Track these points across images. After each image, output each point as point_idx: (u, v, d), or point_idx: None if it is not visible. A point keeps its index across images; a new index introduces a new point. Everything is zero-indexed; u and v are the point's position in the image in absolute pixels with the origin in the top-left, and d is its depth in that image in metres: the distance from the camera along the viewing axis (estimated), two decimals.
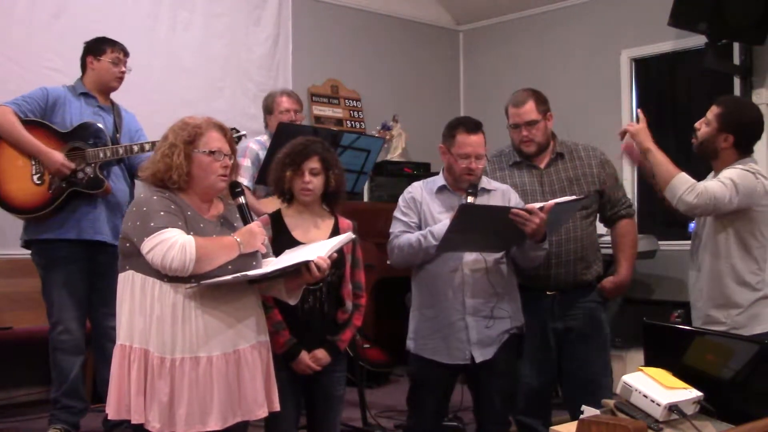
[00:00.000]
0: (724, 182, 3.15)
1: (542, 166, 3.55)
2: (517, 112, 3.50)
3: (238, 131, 3.77)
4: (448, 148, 3.30)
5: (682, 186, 3.15)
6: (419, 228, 3.30)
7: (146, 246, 2.54)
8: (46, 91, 3.91)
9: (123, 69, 4.04)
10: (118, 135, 3.96)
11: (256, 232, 2.65)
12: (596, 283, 3.59)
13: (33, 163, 3.80)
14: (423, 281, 3.35)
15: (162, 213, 2.58)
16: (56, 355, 3.86)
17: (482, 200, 3.29)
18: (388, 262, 3.49)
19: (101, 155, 3.80)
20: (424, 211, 3.32)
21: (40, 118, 3.84)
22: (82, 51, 4.06)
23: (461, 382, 3.56)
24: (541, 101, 3.52)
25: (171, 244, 2.51)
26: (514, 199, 3.38)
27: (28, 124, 3.80)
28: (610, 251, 3.73)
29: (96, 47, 4.02)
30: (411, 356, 3.40)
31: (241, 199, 2.73)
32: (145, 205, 2.62)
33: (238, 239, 2.60)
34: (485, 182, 3.38)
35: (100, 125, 3.86)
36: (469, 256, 3.26)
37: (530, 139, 3.49)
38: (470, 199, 3.17)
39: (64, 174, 3.77)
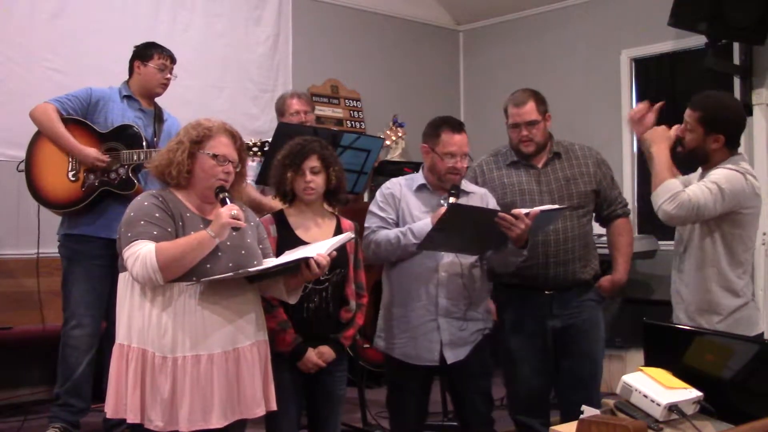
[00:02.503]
0: (709, 188, 3.05)
1: (539, 165, 3.55)
2: (517, 112, 3.50)
3: (260, 141, 3.78)
4: (432, 147, 3.29)
5: (666, 194, 3.06)
6: (396, 224, 3.29)
7: (124, 258, 2.59)
8: (90, 91, 3.98)
9: (168, 75, 4.09)
10: (156, 139, 4.00)
11: (222, 214, 2.58)
12: (594, 282, 3.60)
13: (70, 159, 3.87)
14: (396, 279, 3.33)
15: (143, 222, 2.59)
16: (65, 350, 3.88)
17: (462, 201, 3.27)
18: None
19: (135, 157, 3.84)
20: (402, 208, 3.30)
21: (81, 117, 3.91)
22: (131, 54, 4.10)
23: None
24: (541, 101, 3.52)
25: (135, 257, 2.54)
26: (491, 203, 3.39)
27: (68, 122, 3.88)
28: (605, 250, 3.73)
29: (144, 52, 4.07)
30: (385, 358, 3.39)
31: (221, 195, 2.70)
32: (133, 210, 2.65)
33: (210, 230, 2.58)
34: (464, 184, 3.37)
35: (137, 128, 3.90)
36: (446, 258, 3.25)
37: (530, 139, 3.49)
38: (452, 200, 3.16)
39: (100, 167, 3.82)
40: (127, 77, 4.11)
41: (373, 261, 3.36)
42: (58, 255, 4.04)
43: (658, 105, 3.33)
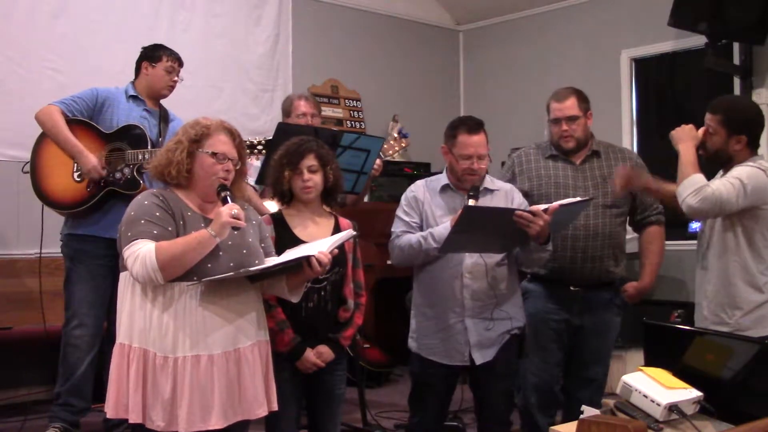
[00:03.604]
0: (732, 182, 3.11)
1: (578, 162, 3.58)
2: (559, 107, 3.55)
3: (264, 139, 3.78)
4: (450, 149, 3.30)
5: (690, 187, 3.12)
6: (421, 228, 3.30)
7: (124, 258, 2.58)
8: (96, 92, 3.98)
9: (176, 78, 4.10)
10: (161, 139, 3.99)
11: (222, 213, 2.57)
12: (620, 285, 3.60)
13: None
14: (424, 282, 3.35)
15: (143, 221, 2.58)
16: (66, 350, 3.88)
17: (485, 200, 3.29)
18: (389, 262, 3.48)
19: (140, 157, 3.84)
20: (425, 211, 3.32)
21: (87, 118, 3.91)
22: (138, 55, 4.10)
23: (461, 382, 3.56)
24: (583, 99, 3.58)
25: (135, 257, 2.53)
26: (517, 199, 3.38)
27: (73, 123, 3.88)
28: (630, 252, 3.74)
29: (152, 54, 4.07)
30: (412, 356, 3.41)
31: (222, 193, 2.69)
32: (133, 210, 2.63)
33: (210, 229, 2.57)
34: (488, 182, 3.37)
35: (143, 128, 3.90)
36: (470, 259, 3.25)
37: (570, 135, 3.53)
38: (471, 201, 3.17)
39: (95, 178, 3.82)
40: (132, 77, 4.11)
41: (400, 265, 3.39)
42: (59, 255, 4.05)
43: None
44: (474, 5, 7.30)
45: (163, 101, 4.16)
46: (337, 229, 3.09)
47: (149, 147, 3.85)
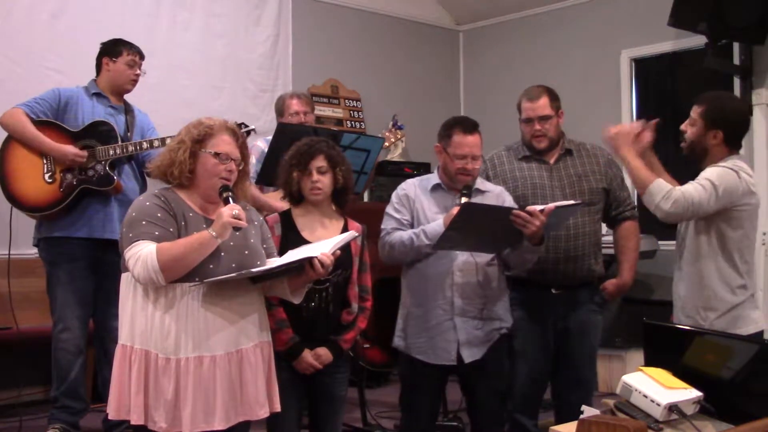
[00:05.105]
0: (703, 185, 3.07)
1: (551, 161, 3.56)
2: (531, 107, 3.53)
3: (246, 125, 3.80)
4: (444, 148, 3.29)
5: (659, 193, 3.08)
6: (411, 226, 3.29)
7: (125, 259, 2.58)
8: (58, 92, 3.96)
9: (138, 72, 4.07)
10: (129, 134, 3.99)
11: (223, 213, 2.57)
12: (599, 283, 3.60)
13: (44, 162, 3.85)
14: (412, 280, 3.33)
15: (144, 222, 2.58)
16: (57, 354, 3.87)
17: (476, 200, 3.27)
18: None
19: (111, 152, 3.83)
20: (416, 209, 3.31)
21: (52, 118, 3.89)
22: (98, 51, 4.08)
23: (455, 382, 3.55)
24: (555, 98, 3.56)
25: (137, 258, 2.52)
26: (508, 201, 3.38)
27: (39, 124, 3.86)
28: (608, 251, 3.74)
29: (112, 49, 4.05)
30: (401, 356, 3.39)
31: (224, 194, 2.69)
32: (135, 211, 2.64)
33: (211, 230, 2.56)
34: (479, 183, 3.37)
35: (110, 124, 3.89)
36: (461, 258, 3.25)
37: (543, 134, 3.52)
38: (464, 200, 3.15)
39: (79, 164, 3.80)
40: (95, 74, 4.09)
41: (389, 262, 3.36)
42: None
43: (653, 122, 3.32)
44: (474, 5, 7.30)
45: (162, 101, 4.15)
46: (345, 231, 3.07)
47: (119, 142, 3.84)
